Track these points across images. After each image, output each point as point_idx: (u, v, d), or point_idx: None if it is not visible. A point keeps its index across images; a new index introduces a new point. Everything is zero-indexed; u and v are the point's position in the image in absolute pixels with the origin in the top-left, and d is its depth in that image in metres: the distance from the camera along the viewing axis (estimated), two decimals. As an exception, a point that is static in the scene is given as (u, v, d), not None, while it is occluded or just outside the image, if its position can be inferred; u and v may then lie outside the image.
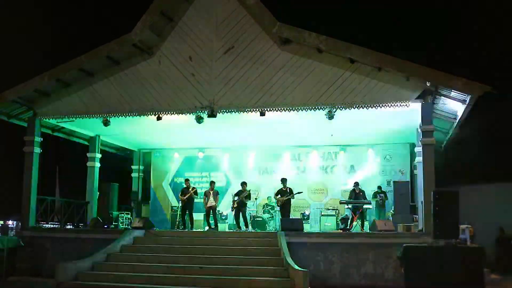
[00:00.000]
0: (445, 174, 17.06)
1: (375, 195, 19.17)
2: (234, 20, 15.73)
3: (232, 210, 18.83)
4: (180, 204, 18.91)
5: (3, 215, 22.69)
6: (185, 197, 18.37)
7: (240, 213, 18.33)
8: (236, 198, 18.41)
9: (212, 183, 19.03)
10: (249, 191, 18.58)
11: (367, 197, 18.44)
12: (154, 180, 23.06)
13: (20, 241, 15.81)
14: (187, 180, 19.43)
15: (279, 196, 18.10)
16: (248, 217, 18.58)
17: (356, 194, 18.27)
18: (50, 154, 19.96)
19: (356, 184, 18.59)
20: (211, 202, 18.31)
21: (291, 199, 18.14)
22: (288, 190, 18.15)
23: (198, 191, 19.49)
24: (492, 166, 21.18)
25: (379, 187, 19.58)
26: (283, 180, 18.47)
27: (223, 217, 20.10)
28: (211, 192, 18.52)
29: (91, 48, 16.14)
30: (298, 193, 18.55)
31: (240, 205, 18.28)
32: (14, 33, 27.46)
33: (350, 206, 18.16)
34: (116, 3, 30.23)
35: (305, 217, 19.47)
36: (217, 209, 18.99)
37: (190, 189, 18.58)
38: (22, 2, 27.39)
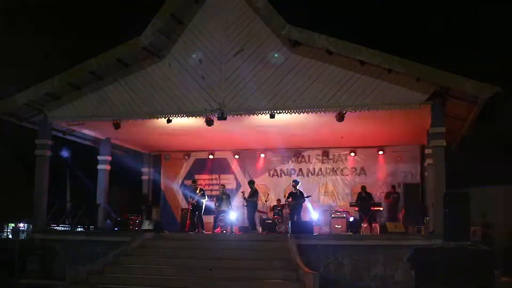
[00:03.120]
0: (456, 176, 16.96)
1: (388, 195, 19.13)
2: (244, 22, 15.75)
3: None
4: (190, 207, 18.87)
5: (15, 217, 22.86)
6: (194, 200, 18.38)
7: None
8: (245, 199, 18.41)
9: (221, 186, 19.07)
10: (256, 192, 18.60)
11: (375, 199, 18.41)
12: (164, 182, 23.12)
13: (31, 244, 15.89)
14: (194, 182, 19.39)
15: (289, 198, 18.07)
16: (257, 219, 18.57)
17: (363, 197, 18.27)
18: (61, 157, 20.01)
19: (363, 187, 18.62)
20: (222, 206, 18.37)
21: (302, 202, 18.11)
22: (298, 193, 18.10)
23: (207, 193, 19.47)
24: (503, 168, 21.01)
25: (393, 187, 19.56)
26: (294, 182, 18.45)
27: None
28: (223, 196, 18.58)
29: (101, 51, 16.21)
30: (307, 196, 18.51)
31: (249, 206, 18.26)
32: (24, 37, 27.61)
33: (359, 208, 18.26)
34: (126, 6, 30.32)
35: (315, 220, 19.41)
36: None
37: (198, 191, 18.55)
38: (32, 6, 27.58)
